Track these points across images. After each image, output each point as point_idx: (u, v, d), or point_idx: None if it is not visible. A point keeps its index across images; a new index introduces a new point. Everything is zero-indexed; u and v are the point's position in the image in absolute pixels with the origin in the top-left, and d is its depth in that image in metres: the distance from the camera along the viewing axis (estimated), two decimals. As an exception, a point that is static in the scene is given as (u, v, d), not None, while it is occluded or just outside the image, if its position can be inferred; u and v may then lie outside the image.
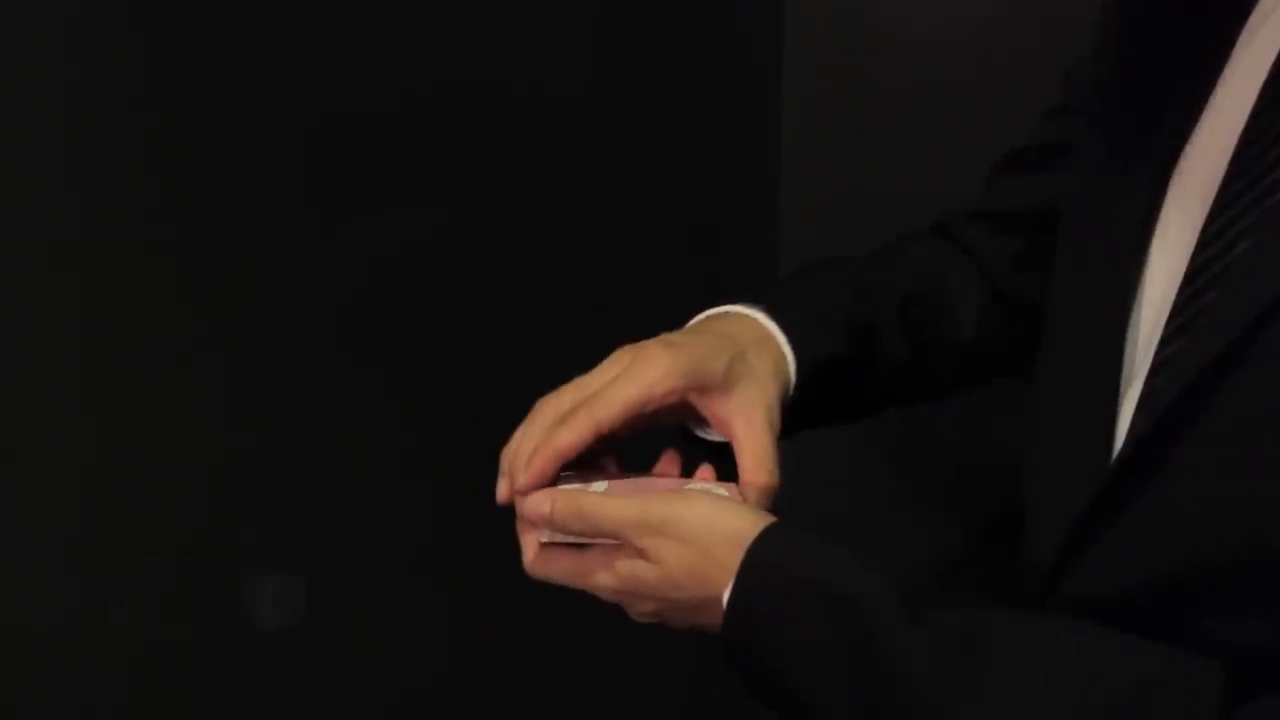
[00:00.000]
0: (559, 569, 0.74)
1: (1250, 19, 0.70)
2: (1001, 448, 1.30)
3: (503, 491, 0.77)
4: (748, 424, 0.76)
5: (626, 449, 0.80)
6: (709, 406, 0.77)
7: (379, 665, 1.11)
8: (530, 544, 0.75)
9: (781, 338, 0.83)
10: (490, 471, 0.80)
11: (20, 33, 0.82)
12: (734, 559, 0.69)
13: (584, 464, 0.78)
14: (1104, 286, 0.72)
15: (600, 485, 0.76)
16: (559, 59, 1.19)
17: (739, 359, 0.79)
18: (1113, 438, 0.68)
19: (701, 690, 1.36)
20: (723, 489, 0.76)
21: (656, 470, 0.79)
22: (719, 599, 0.69)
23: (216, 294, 0.96)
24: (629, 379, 0.75)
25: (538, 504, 0.73)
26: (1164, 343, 0.67)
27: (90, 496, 0.91)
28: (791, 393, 0.82)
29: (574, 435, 0.74)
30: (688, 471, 0.79)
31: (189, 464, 0.96)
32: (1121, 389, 0.69)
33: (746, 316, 0.84)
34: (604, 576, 0.72)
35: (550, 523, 0.72)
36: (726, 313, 0.85)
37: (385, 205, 1.06)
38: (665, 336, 0.79)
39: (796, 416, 0.82)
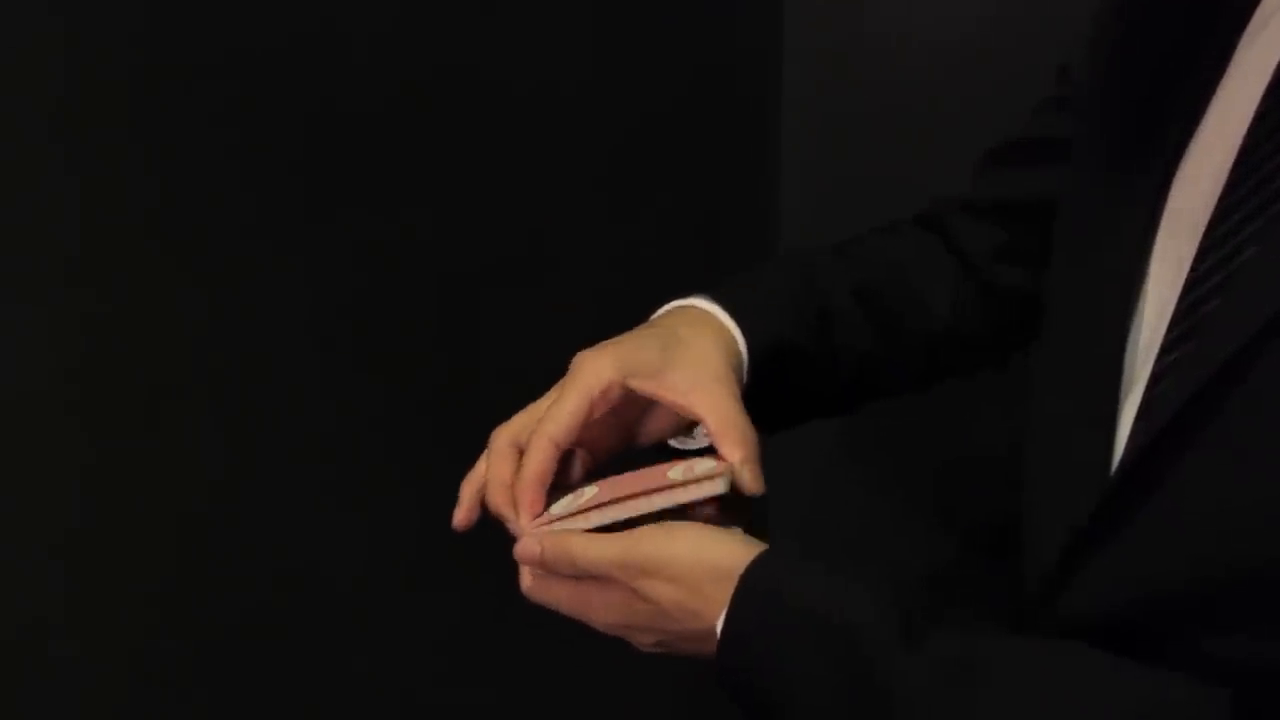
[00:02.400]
0: (555, 596, 0.74)
1: (1252, 21, 0.69)
2: (993, 454, 1.31)
3: (460, 518, 0.77)
4: (704, 396, 0.76)
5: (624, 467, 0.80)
6: (660, 393, 0.76)
7: (379, 665, 1.11)
8: (528, 570, 0.75)
9: (724, 316, 0.82)
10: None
11: (17, 30, 0.82)
12: (724, 592, 0.68)
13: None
14: (1104, 292, 0.71)
15: (590, 490, 0.76)
16: (559, 57, 1.18)
17: (672, 339, 0.79)
18: (1113, 446, 0.68)
19: (701, 693, 1.36)
20: (710, 462, 0.74)
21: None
22: (713, 630, 0.68)
23: (216, 293, 0.95)
24: (567, 389, 0.75)
25: (528, 548, 0.72)
26: (1165, 350, 0.66)
27: (90, 496, 0.91)
28: (746, 369, 0.81)
29: (539, 456, 0.74)
30: None
31: (190, 463, 0.96)
32: (1121, 396, 0.69)
33: (687, 305, 0.84)
34: (600, 610, 0.72)
35: (542, 565, 0.72)
36: (668, 309, 0.85)
37: (383, 202, 1.05)
38: (600, 344, 0.79)
39: (771, 413, 0.81)
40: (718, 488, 0.72)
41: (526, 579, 0.74)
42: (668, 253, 1.31)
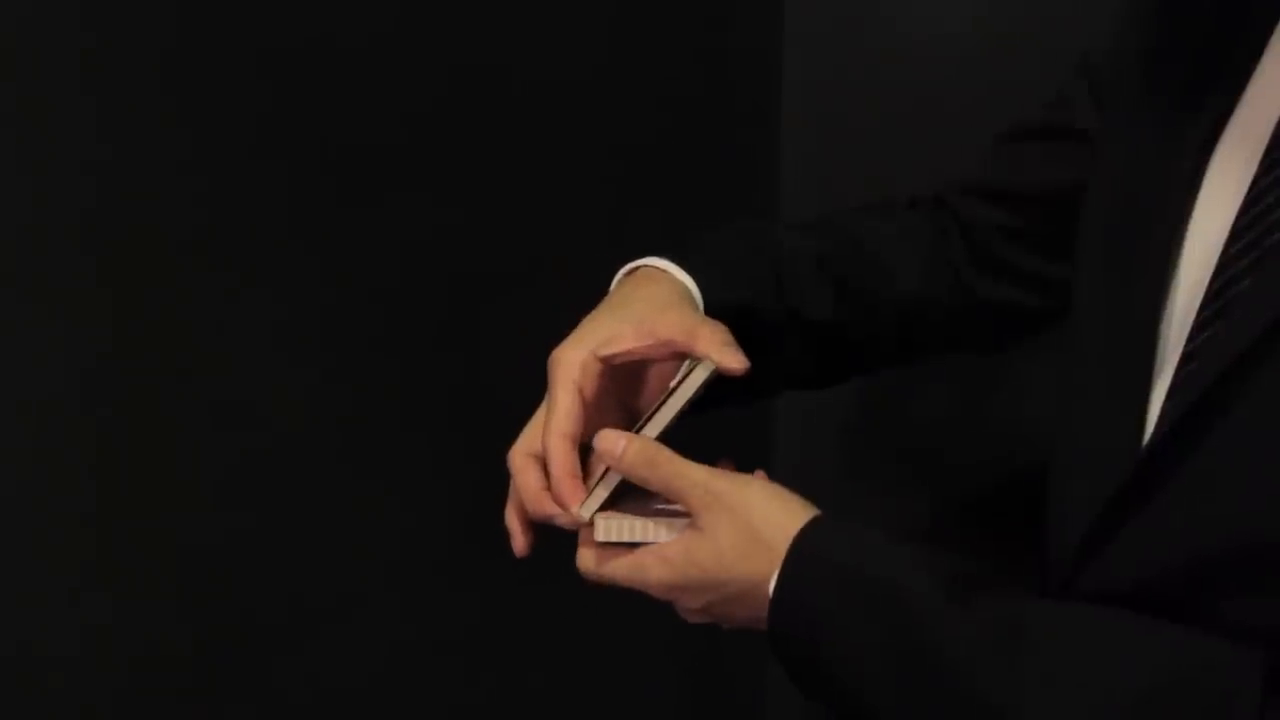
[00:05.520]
0: (614, 568, 0.76)
1: None
2: (1013, 432, 1.30)
3: (519, 546, 0.81)
4: (663, 323, 0.78)
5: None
6: (627, 346, 0.78)
7: (379, 666, 1.10)
8: (588, 549, 0.77)
9: (678, 271, 0.85)
10: (495, 471, 0.82)
11: (22, 27, 0.81)
12: (780, 546, 0.71)
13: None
14: (1138, 271, 0.72)
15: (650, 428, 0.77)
16: (557, 57, 1.18)
17: (622, 302, 0.82)
18: (1144, 423, 0.68)
19: (704, 693, 1.35)
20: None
21: None
22: (765, 585, 0.71)
23: (220, 293, 0.95)
24: (553, 387, 0.78)
25: (612, 443, 0.74)
26: (1196, 329, 0.67)
27: (91, 497, 0.90)
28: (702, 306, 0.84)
29: (560, 453, 0.76)
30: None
31: (192, 464, 0.95)
32: (1154, 374, 0.69)
33: (640, 265, 0.87)
34: (658, 570, 0.74)
35: (619, 464, 0.74)
36: (624, 272, 0.88)
37: (383, 202, 1.05)
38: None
39: (739, 381, 0.83)
40: (702, 374, 0.74)
41: (587, 558, 0.77)
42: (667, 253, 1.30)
